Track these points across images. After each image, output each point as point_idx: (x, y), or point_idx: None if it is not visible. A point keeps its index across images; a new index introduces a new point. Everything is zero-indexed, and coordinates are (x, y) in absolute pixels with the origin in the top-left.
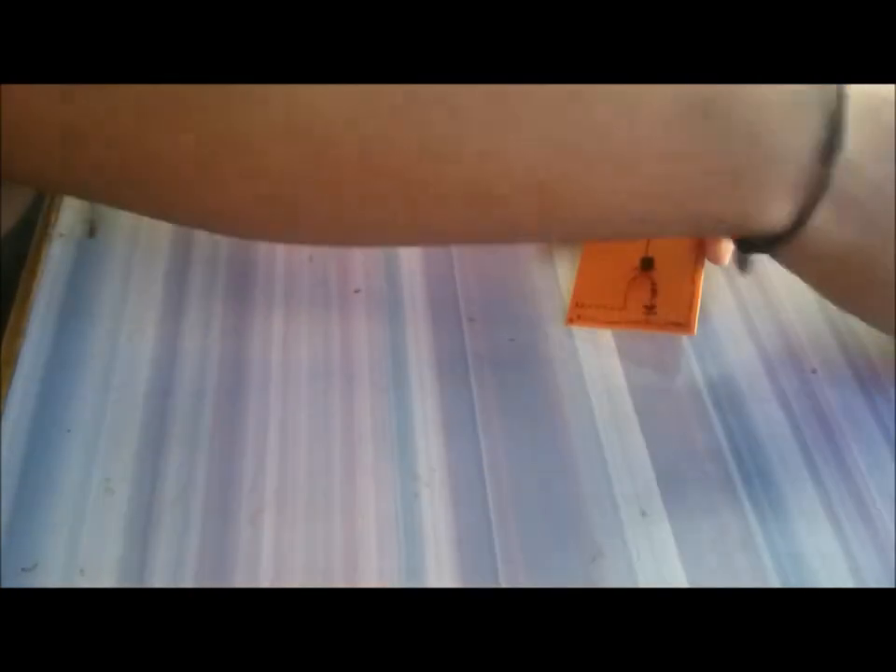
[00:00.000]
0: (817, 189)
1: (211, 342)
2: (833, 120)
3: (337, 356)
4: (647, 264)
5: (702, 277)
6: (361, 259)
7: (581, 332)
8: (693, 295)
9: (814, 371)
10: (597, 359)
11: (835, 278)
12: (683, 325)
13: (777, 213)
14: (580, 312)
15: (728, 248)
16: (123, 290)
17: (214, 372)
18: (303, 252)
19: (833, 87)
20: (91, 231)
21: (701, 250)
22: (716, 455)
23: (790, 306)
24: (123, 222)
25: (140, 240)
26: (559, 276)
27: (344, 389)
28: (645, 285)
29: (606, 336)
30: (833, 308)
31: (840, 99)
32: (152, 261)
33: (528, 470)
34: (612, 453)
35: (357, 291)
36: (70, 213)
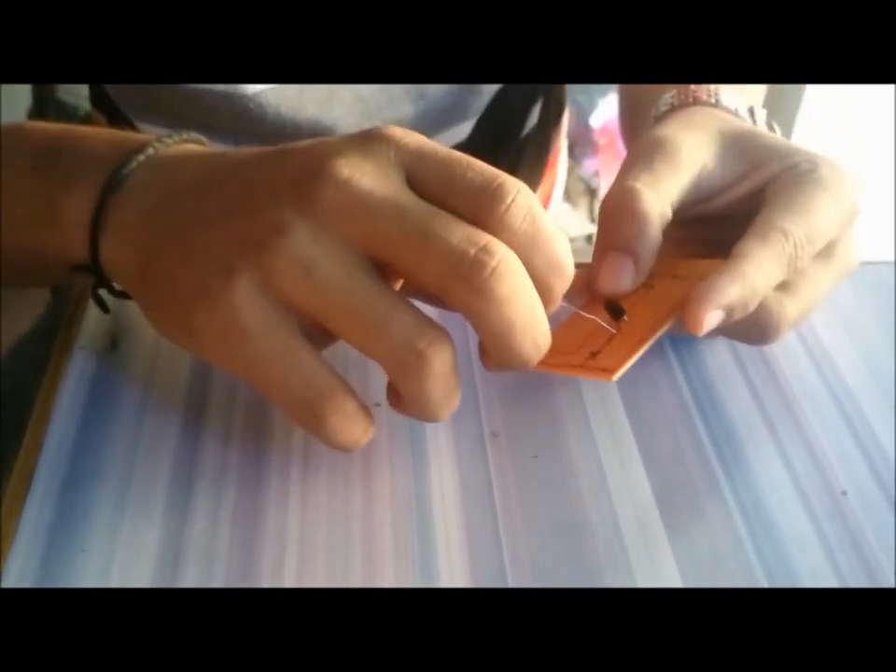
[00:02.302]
0: (98, 217)
1: (230, 457)
2: (121, 164)
3: None
4: (615, 312)
5: (657, 335)
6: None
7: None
8: (636, 347)
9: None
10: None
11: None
12: (609, 370)
13: (78, 244)
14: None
15: (708, 317)
16: (143, 405)
17: (232, 489)
18: None
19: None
20: (113, 344)
21: (676, 312)
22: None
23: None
24: (145, 335)
25: (161, 353)
26: None
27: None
28: (605, 335)
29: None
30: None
31: (141, 149)
32: (173, 374)
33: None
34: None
35: (377, 405)
36: (92, 326)
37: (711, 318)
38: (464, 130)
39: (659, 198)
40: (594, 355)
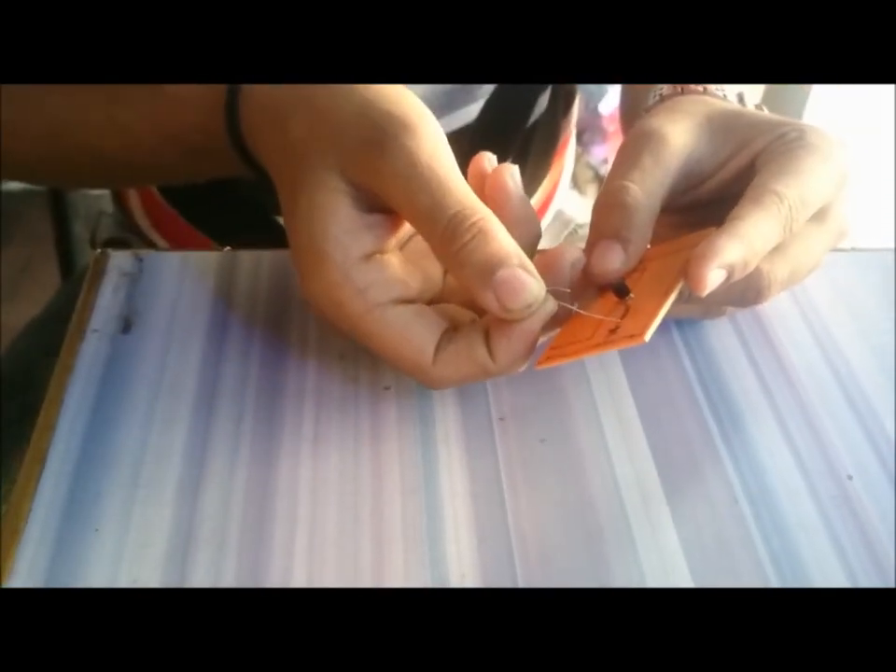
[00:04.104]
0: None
1: (241, 440)
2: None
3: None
4: (621, 291)
5: (671, 298)
6: None
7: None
8: (657, 309)
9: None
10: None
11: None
12: (637, 334)
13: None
14: (550, 353)
15: (711, 276)
16: (156, 387)
17: (243, 471)
18: (334, 350)
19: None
20: (126, 327)
21: (682, 276)
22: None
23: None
24: (158, 318)
25: (174, 336)
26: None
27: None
28: (617, 314)
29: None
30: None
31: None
32: (186, 357)
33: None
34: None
35: (387, 388)
36: (105, 308)
37: (714, 277)
38: (472, 111)
39: (647, 194)
40: (613, 331)
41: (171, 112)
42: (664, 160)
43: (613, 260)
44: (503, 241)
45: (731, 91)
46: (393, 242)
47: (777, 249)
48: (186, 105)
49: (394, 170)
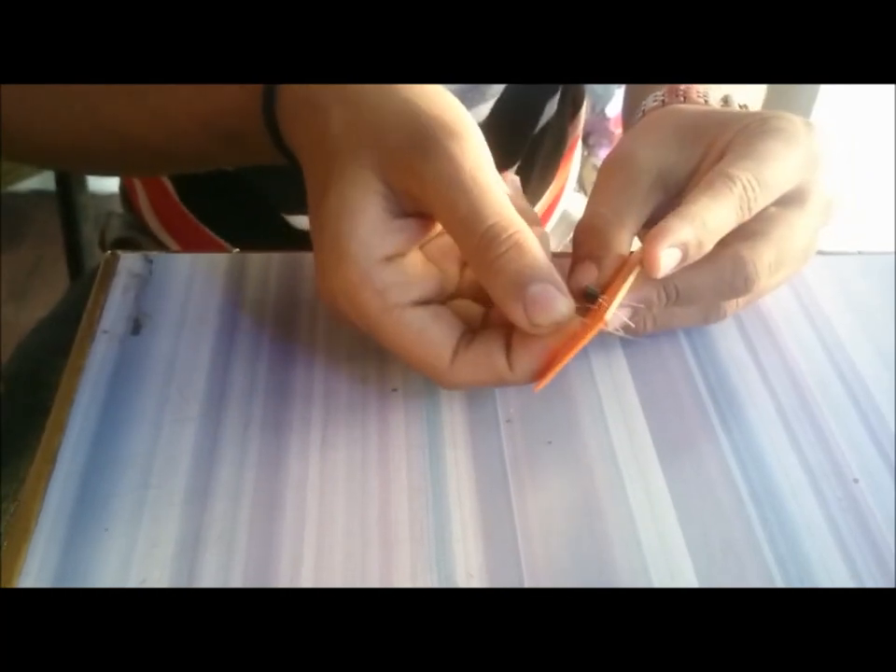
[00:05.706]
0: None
1: (250, 441)
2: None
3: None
4: (590, 296)
5: (629, 282)
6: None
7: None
8: (613, 298)
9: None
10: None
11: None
12: (599, 321)
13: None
14: (540, 374)
15: (664, 255)
16: (165, 388)
17: (252, 472)
18: (342, 352)
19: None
20: (136, 328)
21: (638, 262)
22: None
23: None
24: (168, 320)
25: (183, 338)
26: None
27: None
28: (592, 316)
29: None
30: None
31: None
32: (195, 360)
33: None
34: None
35: (394, 390)
36: (114, 310)
37: (667, 257)
38: (482, 112)
39: (617, 217)
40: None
41: (206, 94)
42: (633, 180)
43: (586, 278)
44: (537, 256)
45: (716, 94)
46: (416, 245)
47: (758, 235)
48: (222, 87)
49: (437, 174)
